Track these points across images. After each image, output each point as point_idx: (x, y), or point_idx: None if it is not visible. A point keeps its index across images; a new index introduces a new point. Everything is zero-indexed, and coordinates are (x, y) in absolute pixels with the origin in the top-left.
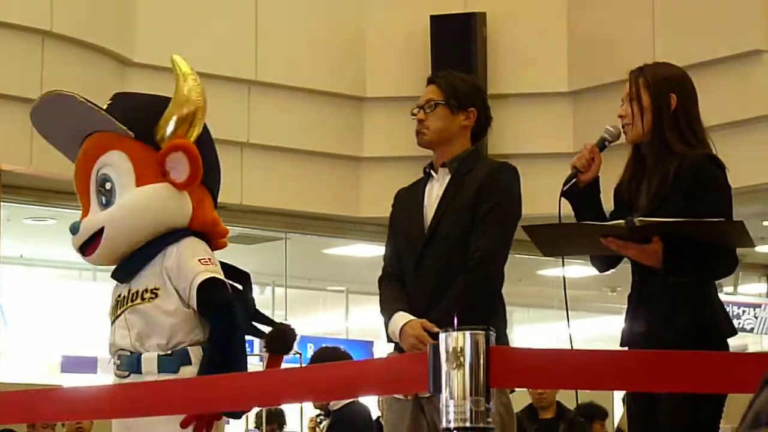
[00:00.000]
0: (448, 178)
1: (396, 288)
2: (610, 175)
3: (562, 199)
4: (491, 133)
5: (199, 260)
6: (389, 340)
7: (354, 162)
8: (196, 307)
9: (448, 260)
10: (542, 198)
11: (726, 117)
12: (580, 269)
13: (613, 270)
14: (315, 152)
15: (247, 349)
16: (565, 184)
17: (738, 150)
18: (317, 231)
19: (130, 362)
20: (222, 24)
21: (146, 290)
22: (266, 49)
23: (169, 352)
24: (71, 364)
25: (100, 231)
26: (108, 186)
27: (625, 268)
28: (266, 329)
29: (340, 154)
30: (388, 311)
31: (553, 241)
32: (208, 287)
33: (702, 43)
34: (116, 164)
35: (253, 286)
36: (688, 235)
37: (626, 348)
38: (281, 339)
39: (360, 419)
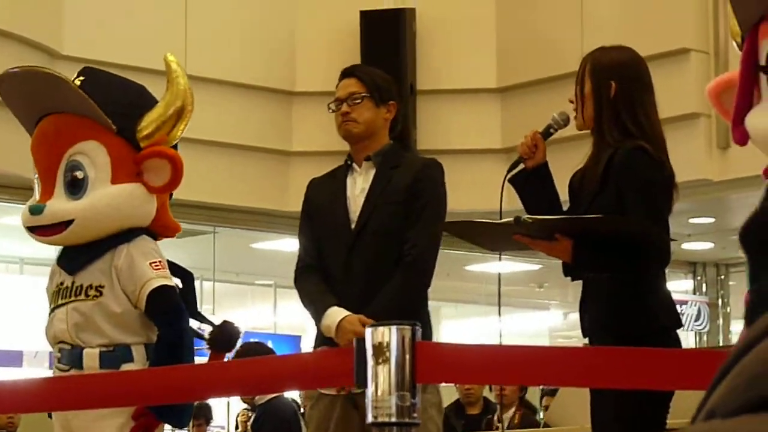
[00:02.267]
0: (372, 172)
1: (320, 280)
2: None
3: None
4: (420, 129)
5: (151, 264)
6: (320, 335)
7: (283, 156)
8: (144, 310)
9: (379, 255)
10: (471, 193)
11: None
12: (508, 265)
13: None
14: (244, 146)
15: (194, 357)
16: (509, 171)
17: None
18: (246, 225)
19: (71, 357)
20: (151, 17)
21: (91, 286)
22: (195, 43)
23: (111, 348)
24: None
25: (67, 221)
26: (80, 175)
27: (553, 264)
28: (208, 328)
29: (270, 149)
30: (319, 305)
31: (477, 237)
32: (159, 295)
33: (630, 41)
34: (93, 156)
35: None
36: (587, 231)
37: (587, 339)
38: (225, 337)
39: (284, 413)
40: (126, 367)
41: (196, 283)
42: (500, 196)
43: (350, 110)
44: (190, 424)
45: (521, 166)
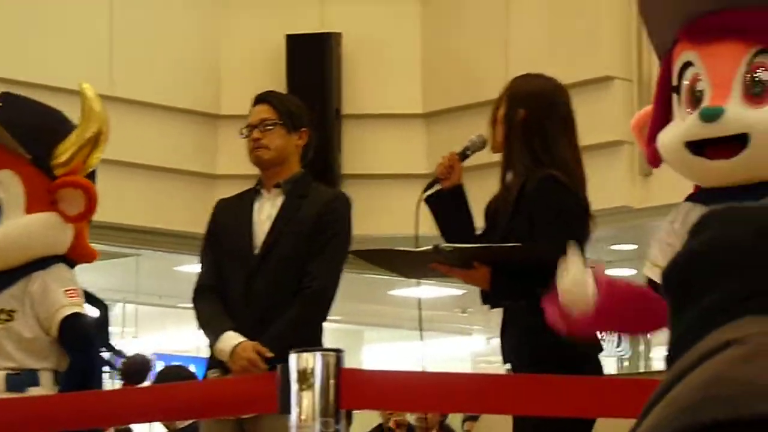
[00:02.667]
0: (280, 199)
1: (217, 303)
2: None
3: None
4: (345, 153)
5: (66, 291)
6: (213, 357)
7: (208, 179)
8: (56, 337)
9: (279, 283)
10: (395, 217)
11: None
12: (431, 290)
13: (464, 291)
14: (169, 169)
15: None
16: (424, 191)
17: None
18: (169, 248)
19: None
20: (76, 38)
21: (2, 311)
22: (121, 65)
23: (18, 372)
24: None
25: None
26: None
27: (476, 289)
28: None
29: (195, 171)
30: (215, 328)
31: (395, 265)
32: (72, 323)
33: (555, 68)
34: (7, 185)
35: (104, 302)
36: (505, 260)
37: (508, 365)
38: (137, 368)
39: None
40: (32, 391)
41: (119, 306)
42: (416, 217)
43: (261, 137)
44: None
45: (437, 186)
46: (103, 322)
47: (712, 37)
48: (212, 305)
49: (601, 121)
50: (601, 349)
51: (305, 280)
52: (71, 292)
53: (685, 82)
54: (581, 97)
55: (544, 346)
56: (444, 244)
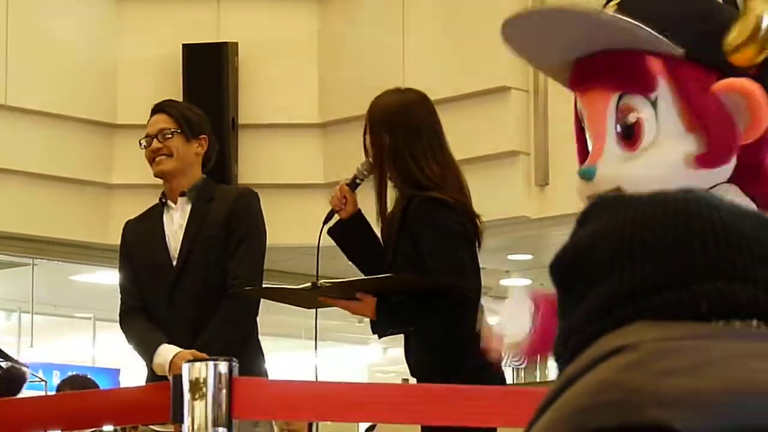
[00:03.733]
0: (188, 207)
1: (146, 320)
2: None
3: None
4: (242, 163)
5: None
6: (151, 373)
7: (104, 189)
8: None
9: (202, 289)
10: (293, 227)
11: (472, 152)
12: None
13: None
14: (64, 178)
15: None
16: (324, 224)
17: (483, 185)
18: (65, 257)
19: None
20: None
21: None
22: (16, 73)
23: None
24: None
25: None
26: None
27: None
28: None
29: (90, 181)
30: (149, 344)
31: (288, 299)
32: None
33: (451, 78)
34: None
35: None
36: (385, 290)
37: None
38: (10, 380)
39: None
40: None
41: (14, 316)
42: (317, 243)
43: (161, 146)
44: None
45: (336, 217)
46: None
47: (587, 84)
48: (141, 324)
49: (498, 131)
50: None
51: (228, 279)
52: None
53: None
54: (478, 107)
55: (444, 359)
56: (322, 281)
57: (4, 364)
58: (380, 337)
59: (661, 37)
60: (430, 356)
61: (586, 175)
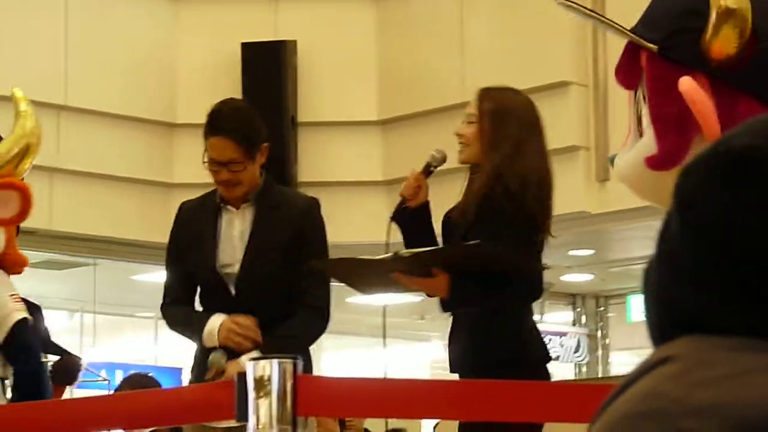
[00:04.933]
0: (250, 213)
1: (191, 309)
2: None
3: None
4: (301, 161)
5: (11, 296)
6: (196, 366)
7: (164, 188)
8: (2, 342)
9: (263, 302)
10: (352, 225)
11: None
12: (390, 297)
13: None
14: (125, 178)
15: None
16: (394, 212)
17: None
18: (126, 257)
19: None
20: (31, 47)
21: None
22: (76, 74)
23: None
24: None
25: None
26: None
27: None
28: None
29: (150, 180)
30: (198, 319)
31: (353, 278)
32: (21, 329)
33: (511, 74)
34: None
35: (62, 311)
36: (464, 262)
37: (456, 374)
38: (64, 371)
39: None
40: None
41: (77, 316)
42: (387, 231)
43: (231, 177)
44: None
45: (404, 205)
46: (41, 322)
47: (619, 77)
48: (188, 308)
49: (558, 126)
50: (550, 357)
51: (305, 299)
52: (15, 297)
53: None
54: (538, 102)
55: (493, 352)
56: (403, 251)
57: (55, 357)
58: (451, 313)
59: (628, 32)
60: (475, 348)
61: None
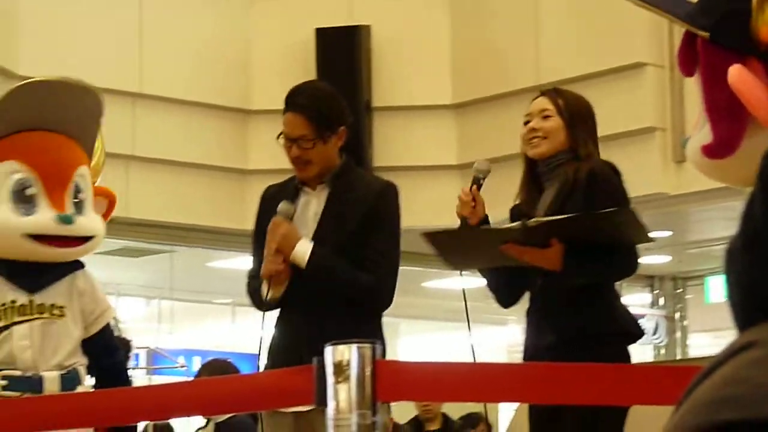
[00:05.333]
0: (325, 193)
1: None
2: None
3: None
4: (376, 145)
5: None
6: (271, 352)
7: (239, 174)
8: (92, 336)
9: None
10: (427, 209)
11: (609, 129)
12: (465, 281)
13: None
14: (200, 165)
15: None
16: (459, 230)
17: (622, 162)
18: (203, 243)
19: (26, 383)
20: (106, 36)
21: (53, 305)
22: (151, 62)
23: (67, 371)
24: None
25: (87, 237)
26: (81, 196)
27: None
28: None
29: (226, 167)
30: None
31: (454, 250)
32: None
33: (585, 55)
34: (87, 181)
35: (140, 299)
36: (583, 233)
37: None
38: None
39: (248, 428)
40: (78, 389)
41: (154, 303)
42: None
43: (301, 153)
44: None
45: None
46: None
47: None
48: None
49: (634, 107)
50: (642, 332)
51: (366, 268)
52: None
53: None
54: (614, 85)
55: (593, 325)
56: (532, 219)
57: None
58: (557, 287)
59: (680, 18)
60: (576, 320)
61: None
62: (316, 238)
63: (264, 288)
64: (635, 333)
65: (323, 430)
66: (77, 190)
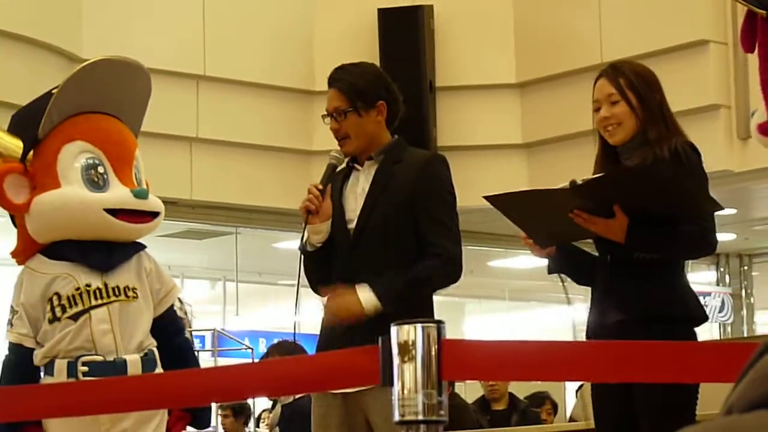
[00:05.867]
0: (374, 169)
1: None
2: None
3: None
4: (440, 125)
5: None
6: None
7: (303, 156)
8: (160, 315)
9: (379, 256)
10: (492, 188)
11: (674, 107)
12: (529, 260)
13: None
14: (264, 146)
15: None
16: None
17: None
18: (267, 225)
19: (109, 368)
20: (170, 18)
21: (127, 287)
22: (214, 44)
23: (144, 353)
24: None
25: (154, 213)
26: (139, 177)
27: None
28: None
29: (290, 148)
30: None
31: (523, 218)
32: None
33: (648, 33)
34: (140, 163)
35: (204, 281)
36: (638, 197)
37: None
38: None
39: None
40: (156, 371)
41: (219, 284)
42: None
43: (338, 126)
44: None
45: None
46: None
47: None
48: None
49: (698, 85)
50: (706, 318)
51: (432, 249)
52: None
53: None
54: (677, 62)
55: (658, 303)
56: (580, 180)
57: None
58: (619, 258)
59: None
60: (651, 299)
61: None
62: (363, 212)
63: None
64: (699, 316)
65: (371, 410)
66: (137, 171)
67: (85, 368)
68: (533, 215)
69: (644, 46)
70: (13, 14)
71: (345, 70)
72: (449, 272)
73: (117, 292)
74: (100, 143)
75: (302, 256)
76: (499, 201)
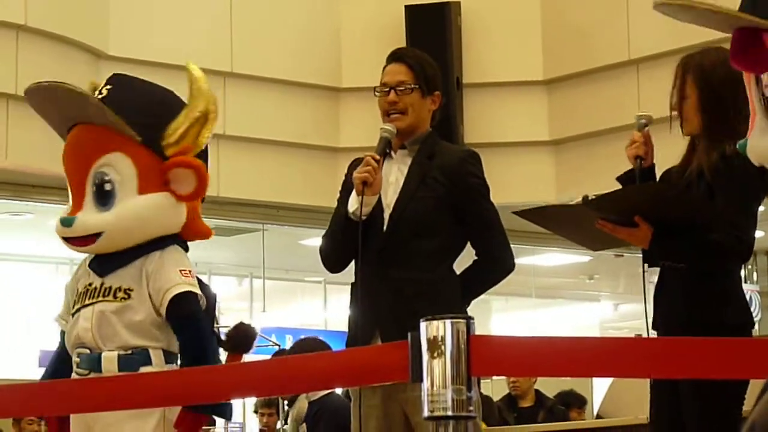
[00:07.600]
0: (408, 160)
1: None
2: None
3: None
4: (467, 122)
5: (180, 271)
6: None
7: (330, 152)
8: (165, 315)
9: (412, 248)
10: (519, 185)
11: None
12: (556, 257)
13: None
14: (292, 143)
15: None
16: (630, 174)
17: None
18: (294, 222)
19: (90, 361)
20: (197, 16)
21: (120, 288)
22: (241, 41)
23: (130, 352)
24: (48, 359)
25: (97, 233)
26: (108, 187)
27: (603, 256)
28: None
29: (317, 145)
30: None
31: (557, 227)
32: (181, 299)
33: (677, 30)
34: (120, 168)
35: (231, 278)
36: (650, 208)
37: (656, 331)
38: (241, 337)
39: (340, 408)
40: (144, 370)
41: (246, 281)
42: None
43: (398, 100)
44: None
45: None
46: (210, 309)
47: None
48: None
49: None
50: (753, 324)
51: (482, 248)
52: (186, 272)
53: None
54: None
55: (711, 311)
56: (592, 195)
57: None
58: (650, 266)
59: (745, 14)
60: (683, 308)
61: (741, 149)
62: (398, 202)
63: (353, 201)
64: (745, 326)
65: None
66: (102, 181)
67: (78, 359)
68: (567, 226)
69: (673, 43)
70: (40, 11)
71: (411, 52)
72: (496, 274)
73: (107, 293)
74: (63, 164)
75: (342, 226)
76: (532, 216)
